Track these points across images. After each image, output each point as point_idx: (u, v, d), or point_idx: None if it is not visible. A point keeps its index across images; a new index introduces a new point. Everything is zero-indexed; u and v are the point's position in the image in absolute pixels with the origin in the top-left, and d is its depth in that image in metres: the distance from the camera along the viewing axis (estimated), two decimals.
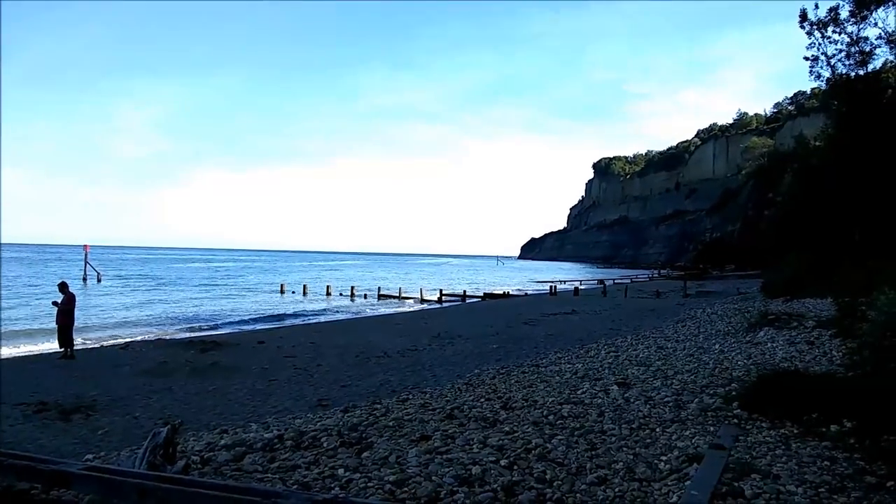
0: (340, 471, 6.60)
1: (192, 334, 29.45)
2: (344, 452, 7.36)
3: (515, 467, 6.58)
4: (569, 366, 14.22)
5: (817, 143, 49.86)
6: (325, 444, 7.75)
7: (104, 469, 5.89)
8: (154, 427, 7.69)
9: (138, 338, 27.45)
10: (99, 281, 71.24)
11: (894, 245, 23.71)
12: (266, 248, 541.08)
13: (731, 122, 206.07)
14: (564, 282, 79.29)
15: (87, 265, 74.88)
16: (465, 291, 59.85)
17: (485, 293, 60.10)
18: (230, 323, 36.80)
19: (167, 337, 27.51)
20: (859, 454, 6.52)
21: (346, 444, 7.69)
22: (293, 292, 62.18)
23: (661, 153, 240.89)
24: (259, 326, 34.20)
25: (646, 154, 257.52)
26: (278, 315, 41.74)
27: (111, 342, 25.57)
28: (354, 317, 40.84)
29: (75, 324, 19.80)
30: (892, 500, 5.42)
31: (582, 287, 65.25)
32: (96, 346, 23.97)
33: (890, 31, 31.99)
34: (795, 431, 7.50)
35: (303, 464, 6.96)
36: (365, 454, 7.22)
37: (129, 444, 8.54)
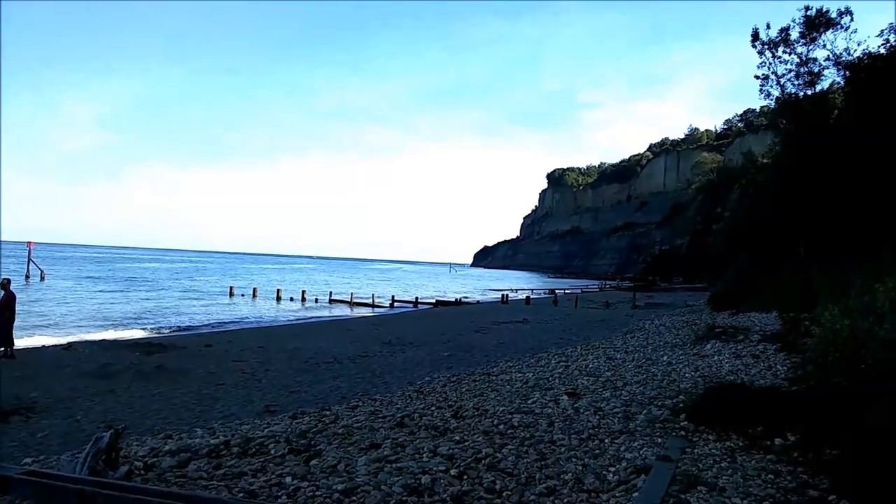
0: (288, 479, 6.49)
1: (138, 336, 28.86)
2: (292, 460, 7.27)
3: (465, 477, 6.55)
4: (519, 375, 14.26)
5: (765, 161, 51.13)
6: (272, 452, 7.64)
7: (44, 474, 5.74)
8: (97, 431, 7.51)
9: (82, 338, 26.77)
10: (42, 279, 69.33)
11: (837, 262, 24.35)
12: (217, 250, 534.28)
13: (682, 136, 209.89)
14: (516, 290, 79.81)
15: (31, 262, 72.84)
16: (417, 298, 59.85)
17: (437, 300, 60.08)
18: (177, 325, 36.13)
19: (112, 338, 26.90)
20: (803, 468, 6.64)
21: (294, 452, 7.59)
22: (242, 295, 61.22)
23: (613, 165, 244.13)
24: (207, 329, 33.67)
25: (598, 166, 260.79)
26: (227, 318, 41.16)
27: (53, 342, 24.89)
28: (304, 321, 40.42)
29: (16, 323, 19.25)
30: None
31: (533, 296, 65.74)
32: (38, 346, 23.30)
33: (837, 53, 32.97)
34: (741, 444, 7.61)
35: (249, 471, 6.84)
36: (313, 462, 7.13)
37: (71, 449, 8.30)
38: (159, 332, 31.62)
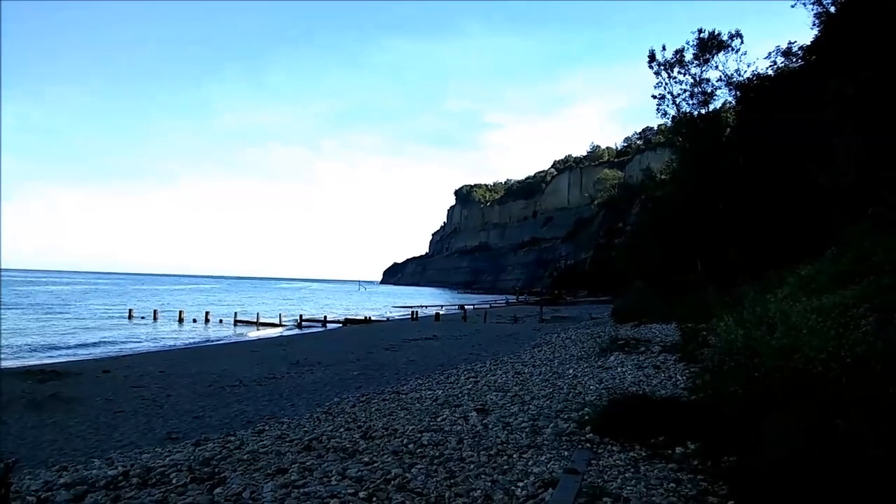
0: None
1: (31, 363, 27.41)
2: (195, 489, 7.05)
3: (374, 499, 6.50)
4: (429, 392, 14.28)
5: (662, 177, 53.07)
6: (174, 481, 7.40)
7: None
8: None
9: None
10: None
11: (729, 273, 25.41)
12: (118, 271, 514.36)
13: (584, 153, 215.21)
14: (426, 307, 79.87)
15: None
16: (325, 317, 59.06)
17: (346, 319, 59.48)
18: (73, 350, 34.52)
19: (2, 366, 25.53)
20: (702, 475, 6.87)
21: (197, 480, 7.37)
22: (143, 318, 59.01)
23: (519, 182, 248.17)
24: (104, 354, 32.31)
25: (505, 182, 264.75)
26: (125, 342, 39.62)
27: None
28: (208, 343, 39.31)
29: None
30: None
31: (443, 312, 65.94)
32: None
33: (729, 74, 34.65)
34: (644, 454, 7.81)
35: (150, 502, 6.62)
36: (217, 490, 6.94)
37: None
38: (54, 359, 30.11)
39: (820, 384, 6.86)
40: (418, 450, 8.55)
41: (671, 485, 6.67)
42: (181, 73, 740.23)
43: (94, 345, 37.72)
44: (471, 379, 16.19)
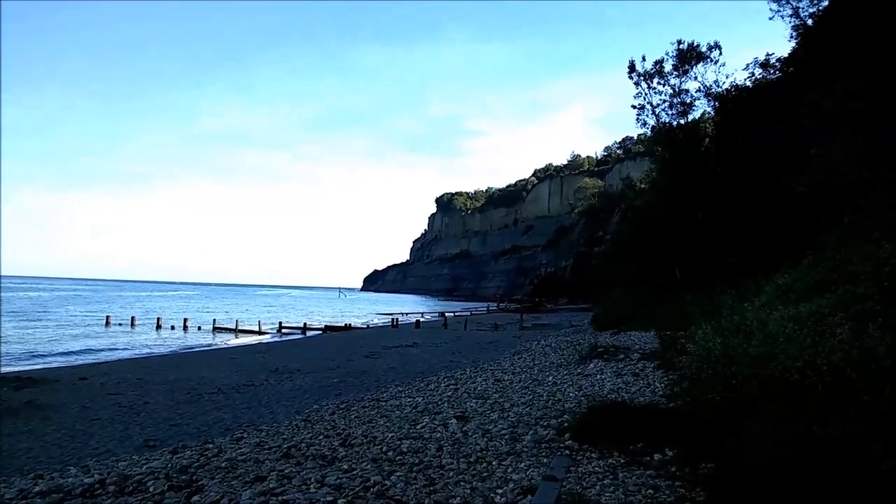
0: None
1: (6, 369, 27.03)
2: (172, 497, 7.01)
3: None
4: (409, 399, 14.26)
5: (642, 186, 53.39)
6: (151, 489, 7.35)
7: None
8: None
9: None
10: None
11: (708, 281, 25.59)
12: (92, 277, 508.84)
13: (565, 162, 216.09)
14: (406, 314, 79.75)
15: None
16: (305, 324, 58.77)
17: (326, 326, 59.25)
18: (49, 357, 34.13)
19: None
20: (680, 482, 6.91)
21: (174, 488, 7.32)
22: (120, 324, 58.45)
23: (500, 190, 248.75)
24: (81, 361, 31.96)
25: (486, 190, 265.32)
26: (103, 349, 39.18)
27: None
28: (186, 351, 38.99)
29: None
30: None
31: (423, 319, 65.87)
32: None
33: (708, 85, 34.99)
34: (622, 461, 7.85)
35: None
36: (195, 498, 6.91)
37: None
38: (30, 365, 29.75)
39: (797, 391, 6.93)
40: (398, 457, 8.55)
41: (649, 491, 6.71)
42: (163, 74, 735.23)
43: (72, 352, 37.30)
44: (451, 386, 16.18)
